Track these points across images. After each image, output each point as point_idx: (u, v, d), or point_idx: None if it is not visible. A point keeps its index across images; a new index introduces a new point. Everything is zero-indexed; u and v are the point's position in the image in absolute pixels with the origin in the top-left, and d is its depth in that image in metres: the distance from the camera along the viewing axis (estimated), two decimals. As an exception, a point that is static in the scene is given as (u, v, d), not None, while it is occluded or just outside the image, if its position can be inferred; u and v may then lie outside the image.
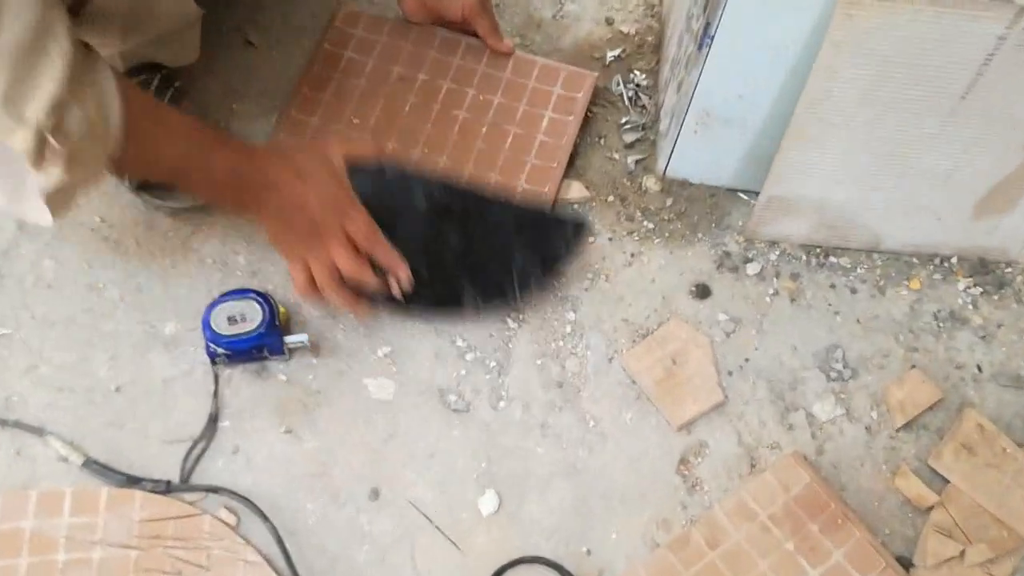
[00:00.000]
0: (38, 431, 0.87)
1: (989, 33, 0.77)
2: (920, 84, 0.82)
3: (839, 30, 0.79)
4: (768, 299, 0.97)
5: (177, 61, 0.98)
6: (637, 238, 1.01)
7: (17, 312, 0.93)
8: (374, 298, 0.89)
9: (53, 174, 0.68)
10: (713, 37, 0.86)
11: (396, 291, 0.87)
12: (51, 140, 0.66)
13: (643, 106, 1.10)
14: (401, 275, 0.87)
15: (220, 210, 0.95)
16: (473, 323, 0.93)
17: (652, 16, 1.19)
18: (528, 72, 1.08)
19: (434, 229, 0.91)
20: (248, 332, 0.86)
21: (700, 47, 0.88)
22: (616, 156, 1.06)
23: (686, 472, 0.87)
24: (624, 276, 0.98)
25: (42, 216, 0.71)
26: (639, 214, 1.02)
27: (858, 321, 0.96)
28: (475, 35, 1.08)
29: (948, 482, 0.87)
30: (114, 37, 0.89)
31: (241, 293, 0.89)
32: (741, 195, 1.03)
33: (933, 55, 0.80)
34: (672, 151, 1.01)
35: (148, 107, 0.78)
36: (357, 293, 0.87)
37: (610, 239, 1.00)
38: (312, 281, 0.86)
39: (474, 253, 0.91)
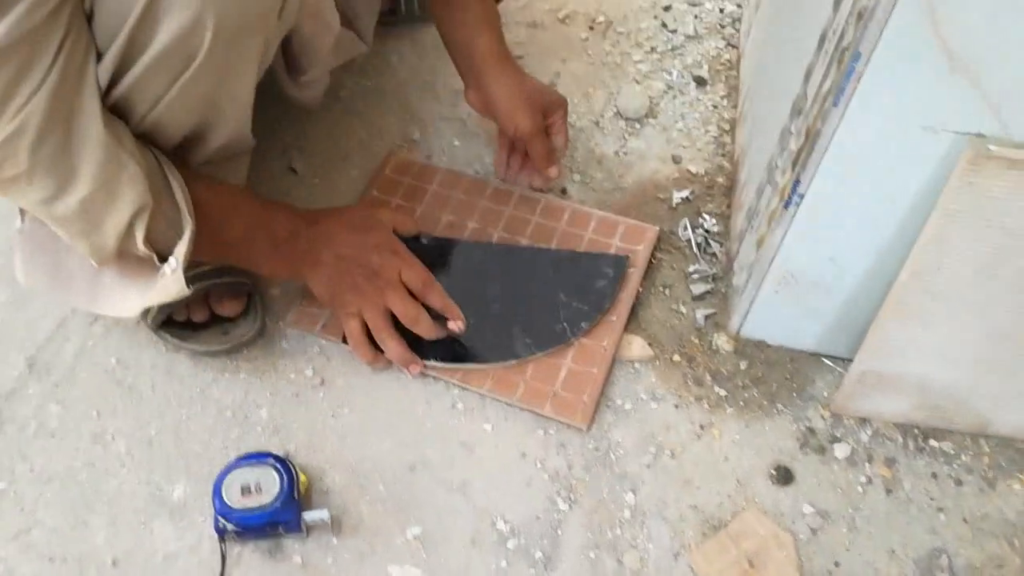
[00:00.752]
0: (19, 610, 0.76)
1: None
2: (1048, 262, 0.71)
3: (955, 198, 0.69)
4: (860, 488, 0.84)
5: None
6: (707, 406, 0.89)
7: (14, 463, 0.84)
8: (426, 352, 0.87)
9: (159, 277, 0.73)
10: (803, 196, 0.76)
11: (455, 328, 0.88)
12: (141, 246, 0.71)
13: (713, 254, 1.01)
14: (458, 320, 0.87)
15: (278, 276, 0.91)
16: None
17: (723, 155, 1.10)
18: (584, 223, 1.00)
19: (476, 286, 0.93)
20: (262, 507, 0.76)
21: (787, 205, 0.78)
22: (683, 309, 0.96)
23: None
24: (692, 452, 0.86)
25: (118, 310, 0.78)
26: (709, 378, 0.91)
27: (965, 520, 0.83)
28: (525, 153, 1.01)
29: None
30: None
31: (259, 457, 0.79)
32: (826, 361, 0.92)
33: (1067, 231, 0.69)
34: (748, 310, 0.90)
35: (211, 188, 0.78)
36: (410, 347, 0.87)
37: (676, 406, 0.89)
38: (366, 332, 0.86)
39: (519, 302, 0.93)
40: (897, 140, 0.69)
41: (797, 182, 0.76)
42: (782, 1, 0.99)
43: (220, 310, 0.89)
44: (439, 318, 0.88)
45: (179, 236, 0.73)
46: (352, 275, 0.84)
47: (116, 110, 0.70)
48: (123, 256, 0.74)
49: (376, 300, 0.85)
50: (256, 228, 0.82)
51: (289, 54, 0.91)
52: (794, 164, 0.77)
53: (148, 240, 0.72)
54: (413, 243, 0.95)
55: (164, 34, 0.65)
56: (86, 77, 0.66)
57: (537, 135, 0.97)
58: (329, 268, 0.84)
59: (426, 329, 0.86)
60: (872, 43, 0.63)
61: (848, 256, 0.80)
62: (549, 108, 0.98)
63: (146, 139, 0.73)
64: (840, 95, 0.68)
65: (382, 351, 0.87)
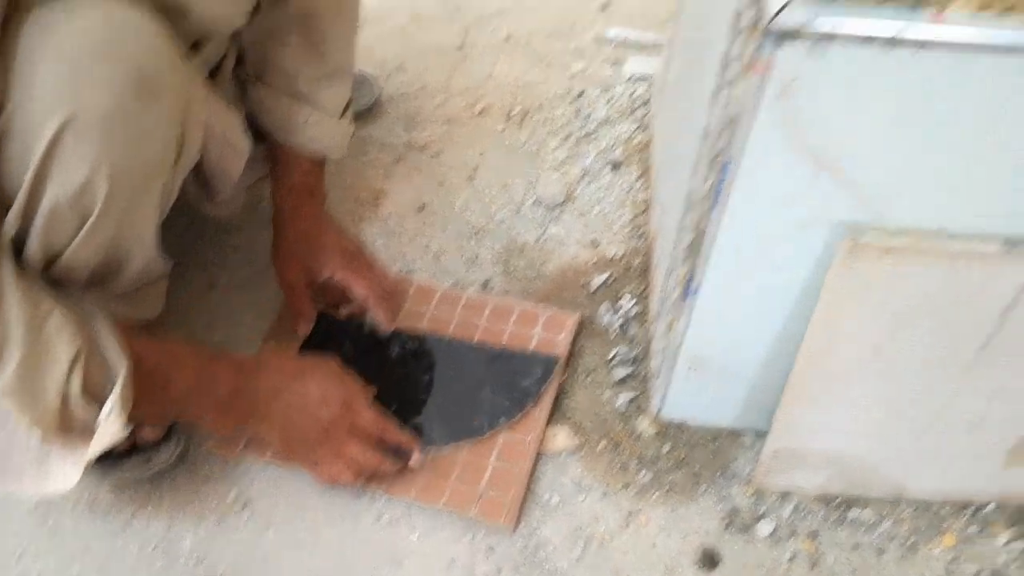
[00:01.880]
0: None
1: (1006, 286, 0.70)
2: (935, 337, 0.74)
3: (837, 286, 0.71)
4: (785, 565, 0.85)
5: (139, 317, 0.92)
6: (634, 492, 0.90)
7: (-67, 615, 0.82)
8: None
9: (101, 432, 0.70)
10: (699, 288, 0.78)
11: (414, 464, 0.88)
12: (74, 406, 0.68)
13: (633, 337, 1.03)
14: (414, 453, 0.88)
15: (223, 431, 0.86)
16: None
17: (640, 236, 1.13)
18: (506, 316, 1.02)
19: (404, 374, 0.96)
20: (186, 642, 0.75)
21: (685, 295, 0.81)
22: (606, 395, 0.98)
23: None
24: (621, 541, 0.87)
25: (66, 480, 0.73)
26: (634, 463, 0.92)
27: (890, 589, 0.84)
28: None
29: None
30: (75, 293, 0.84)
31: (182, 591, 0.78)
32: (747, 437, 0.94)
33: (948, 308, 0.72)
34: (666, 393, 0.92)
35: (147, 346, 0.76)
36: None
37: (604, 495, 0.90)
38: (334, 476, 0.86)
39: (443, 394, 0.95)
40: (777, 235, 0.72)
41: (692, 274, 0.79)
42: (677, 93, 1.03)
43: (141, 437, 0.89)
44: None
45: (114, 380, 0.71)
46: (303, 430, 0.83)
47: (24, 261, 0.70)
48: (65, 426, 0.71)
49: (333, 454, 0.84)
50: (198, 385, 0.78)
51: (201, 177, 0.92)
52: (688, 257, 0.80)
53: (87, 390, 0.69)
54: (355, 327, 0.98)
55: (60, 189, 0.66)
56: (3, 238, 0.67)
57: (359, 272, 0.98)
58: (279, 423, 0.83)
59: (386, 473, 0.87)
60: (740, 148, 0.66)
61: (749, 341, 0.82)
62: (316, 267, 0.97)
63: (58, 283, 0.74)
64: (718, 195, 0.71)
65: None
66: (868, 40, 0.57)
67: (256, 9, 0.85)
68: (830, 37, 0.57)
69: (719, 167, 0.70)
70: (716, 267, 0.76)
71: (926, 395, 0.78)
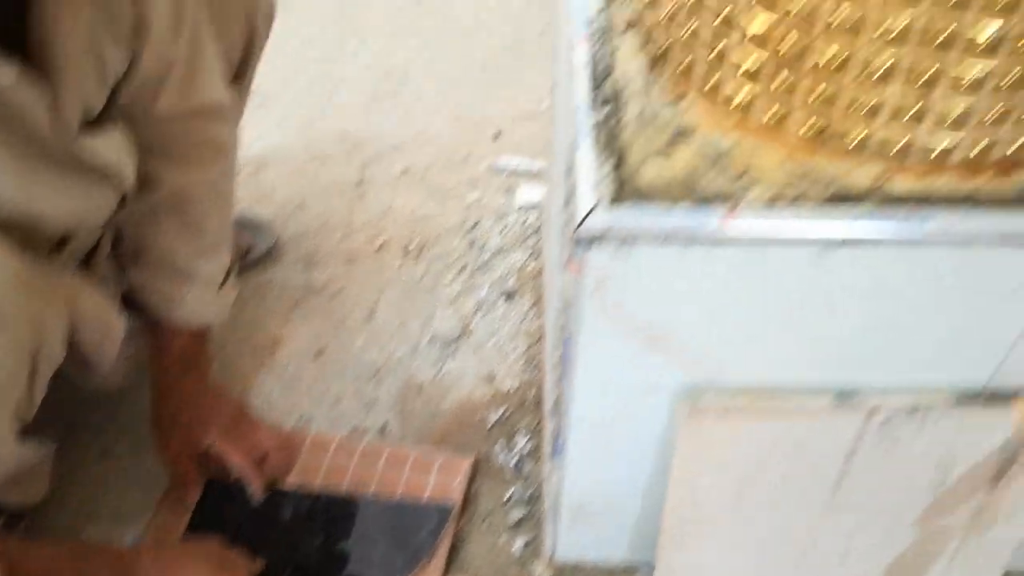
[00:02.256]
0: None
1: (844, 435, 0.73)
2: (787, 484, 0.77)
3: (686, 445, 0.74)
4: None
5: (22, 502, 0.92)
6: (529, 647, 0.91)
7: None
8: None
9: None
10: (563, 448, 0.81)
11: None
12: None
13: (528, 474, 1.05)
14: None
15: None
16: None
17: (534, 366, 1.16)
18: (401, 464, 1.03)
19: (296, 539, 0.97)
20: None
21: (553, 454, 0.83)
22: (503, 539, 0.99)
23: None
24: None
25: None
26: (530, 613, 0.93)
27: None
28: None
29: None
30: None
31: None
32: (641, 572, 0.95)
33: (793, 459, 0.75)
34: (557, 534, 0.93)
35: (22, 546, 0.77)
36: None
37: (499, 652, 0.90)
38: None
39: (335, 557, 0.96)
40: (625, 402, 0.75)
41: (558, 432, 0.81)
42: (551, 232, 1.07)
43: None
44: None
45: None
46: None
47: None
48: None
49: None
50: None
51: (78, 357, 0.92)
52: (555, 415, 0.83)
53: None
54: (239, 493, 0.98)
55: None
56: None
57: (234, 442, 0.99)
58: None
59: None
60: (576, 327, 0.70)
61: (622, 491, 0.85)
62: (197, 437, 0.98)
63: None
64: (566, 365, 0.74)
65: None
66: (668, 239, 0.61)
67: (123, 202, 0.87)
68: (633, 239, 0.61)
69: (564, 339, 0.73)
70: (576, 428, 0.78)
71: (791, 535, 0.81)
